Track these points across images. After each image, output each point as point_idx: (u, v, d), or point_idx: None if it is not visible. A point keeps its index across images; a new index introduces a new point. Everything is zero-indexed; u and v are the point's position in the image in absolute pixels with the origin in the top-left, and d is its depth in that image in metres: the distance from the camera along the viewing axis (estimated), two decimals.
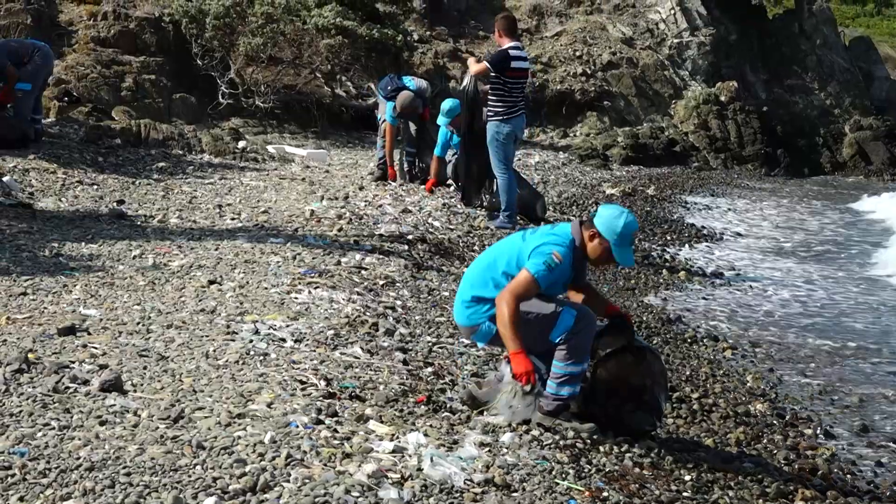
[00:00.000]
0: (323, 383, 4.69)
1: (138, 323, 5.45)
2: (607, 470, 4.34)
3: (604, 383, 4.78)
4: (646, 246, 11.79)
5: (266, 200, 9.90)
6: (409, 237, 8.81)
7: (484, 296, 4.74)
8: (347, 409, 4.42)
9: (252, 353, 5.05)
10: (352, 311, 6.13)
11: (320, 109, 17.91)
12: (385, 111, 11.63)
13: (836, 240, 14.87)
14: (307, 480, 3.58)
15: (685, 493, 4.38)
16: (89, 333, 5.18)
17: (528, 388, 4.57)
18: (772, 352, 7.80)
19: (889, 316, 9.51)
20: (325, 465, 3.75)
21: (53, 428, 3.86)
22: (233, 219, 8.78)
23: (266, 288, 6.39)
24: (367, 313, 6.18)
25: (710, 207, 16.86)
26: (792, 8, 28.75)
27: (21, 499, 3.30)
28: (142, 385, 4.45)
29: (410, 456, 3.96)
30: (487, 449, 4.24)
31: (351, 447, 3.95)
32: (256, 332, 5.39)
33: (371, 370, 5.12)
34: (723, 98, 24.31)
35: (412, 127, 12.02)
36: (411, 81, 11.78)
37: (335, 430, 4.11)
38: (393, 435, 4.17)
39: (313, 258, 7.34)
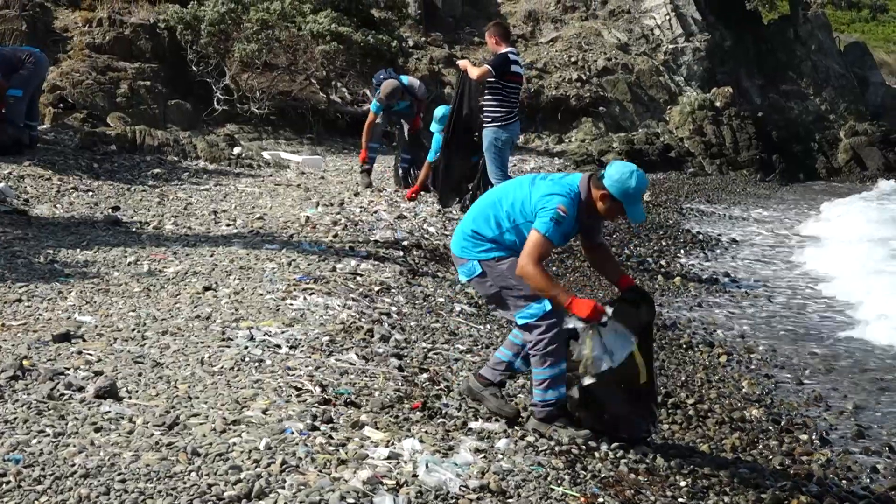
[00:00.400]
0: (318, 389, 4.69)
1: (133, 329, 5.44)
2: (602, 476, 4.34)
3: (603, 386, 4.78)
4: (641, 252, 11.80)
5: (261, 207, 9.89)
6: (405, 243, 8.82)
7: (482, 233, 4.76)
8: (343, 415, 4.42)
9: (247, 359, 5.05)
10: (347, 318, 6.12)
11: (315, 116, 17.91)
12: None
13: None
14: (302, 487, 3.58)
15: (680, 499, 4.39)
16: (84, 340, 5.17)
17: (604, 318, 4.59)
18: (767, 357, 7.81)
19: None
20: (321, 471, 3.75)
21: (48, 435, 3.85)
22: (228, 225, 8.78)
23: (261, 294, 6.38)
24: (363, 319, 6.18)
25: (705, 213, 16.87)
26: (787, 14, 28.80)
27: None
28: (137, 392, 4.45)
29: (406, 462, 3.96)
30: (483, 455, 4.24)
31: (346, 453, 3.95)
32: (251, 339, 5.39)
33: (366, 376, 5.11)
34: (718, 104, 24.34)
35: (406, 132, 12.02)
36: (405, 79, 11.89)
37: (330, 437, 4.11)
38: (388, 441, 4.17)
39: (308, 264, 7.34)
